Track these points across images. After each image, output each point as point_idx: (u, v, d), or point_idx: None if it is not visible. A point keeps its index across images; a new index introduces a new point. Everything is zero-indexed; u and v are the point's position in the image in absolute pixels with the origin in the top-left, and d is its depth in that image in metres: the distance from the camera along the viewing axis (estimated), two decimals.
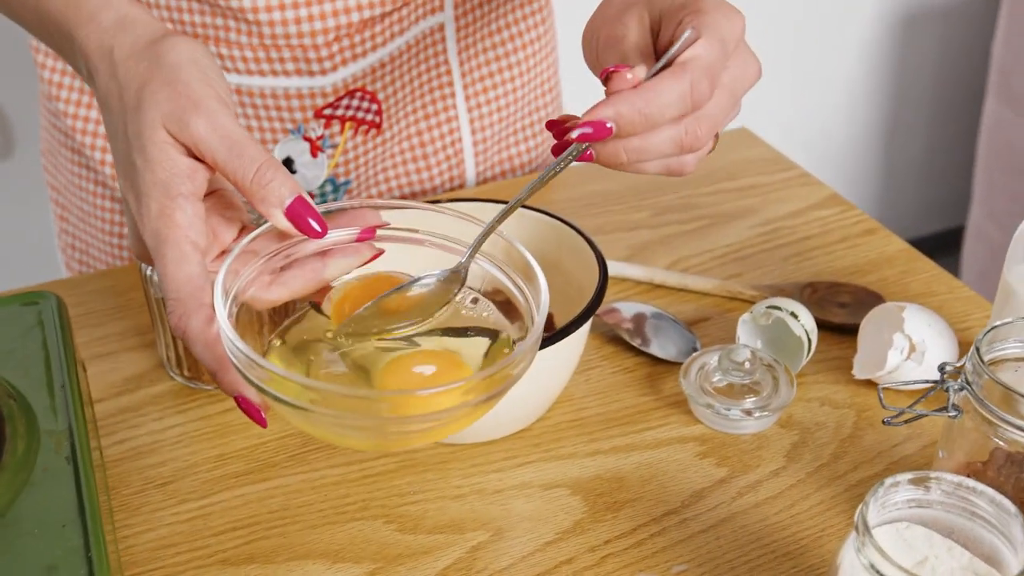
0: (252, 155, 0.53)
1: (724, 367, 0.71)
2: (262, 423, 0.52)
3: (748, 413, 0.69)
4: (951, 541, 0.54)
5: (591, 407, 0.73)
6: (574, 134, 0.55)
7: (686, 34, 0.57)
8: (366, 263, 0.56)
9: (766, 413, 0.69)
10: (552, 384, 0.70)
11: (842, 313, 0.79)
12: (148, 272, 0.71)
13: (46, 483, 0.56)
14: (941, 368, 0.58)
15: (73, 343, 0.67)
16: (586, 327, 0.67)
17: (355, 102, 0.87)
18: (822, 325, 0.78)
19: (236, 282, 0.53)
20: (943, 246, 2.17)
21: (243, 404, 0.52)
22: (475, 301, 0.57)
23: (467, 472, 0.68)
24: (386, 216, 0.57)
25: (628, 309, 0.80)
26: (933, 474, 0.53)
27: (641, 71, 0.57)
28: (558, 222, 0.74)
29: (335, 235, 0.55)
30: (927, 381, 0.61)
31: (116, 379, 0.75)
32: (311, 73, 0.84)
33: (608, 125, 0.55)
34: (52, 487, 0.56)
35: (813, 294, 0.81)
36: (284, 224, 0.53)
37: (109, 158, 0.90)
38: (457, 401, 0.48)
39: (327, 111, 0.86)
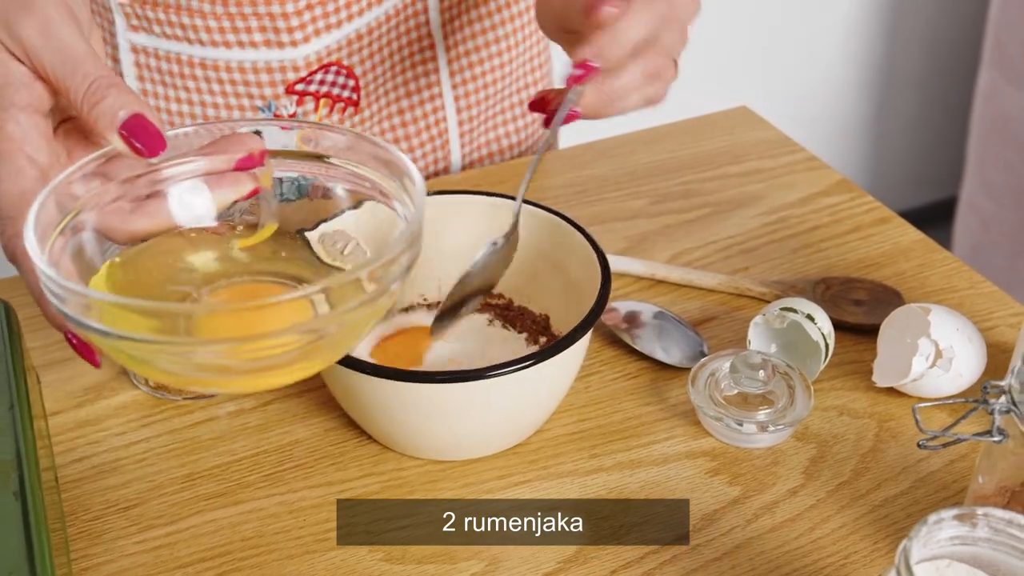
0: (87, 70, 0.47)
1: (737, 375, 0.65)
2: (94, 363, 0.48)
3: (762, 428, 0.64)
4: None
5: (592, 418, 0.67)
6: (566, 75, 0.57)
7: None
8: (246, 197, 0.51)
9: (781, 427, 0.64)
10: (551, 397, 0.64)
11: (858, 312, 0.74)
12: None
13: None
14: (984, 387, 0.53)
15: (24, 354, 0.61)
16: (588, 334, 0.62)
17: (330, 77, 0.80)
18: (837, 325, 0.72)
19: (79, 206, 0.47)
20: (934, 218, 2.12)
21: (72, 340, 0.48)
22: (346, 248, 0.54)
23: (458, 492, 0.63)
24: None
25: (628, 308, 0.74)
26: (981, 510, 0.48)
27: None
28: (552, 216, 0.68)
29: (212, 162, 0.50)
30: (968, 399, 0.55)
31: (74, 388, 0.69)
32: (280, 44, 0.78)
33: (594, 64, 0.57)
34: None
35: (827, 291, 0.76)
36: (120, 146, 0.48)
37: None
38: (309, 314, 0.44)
39: (299, 87, 0.80)
